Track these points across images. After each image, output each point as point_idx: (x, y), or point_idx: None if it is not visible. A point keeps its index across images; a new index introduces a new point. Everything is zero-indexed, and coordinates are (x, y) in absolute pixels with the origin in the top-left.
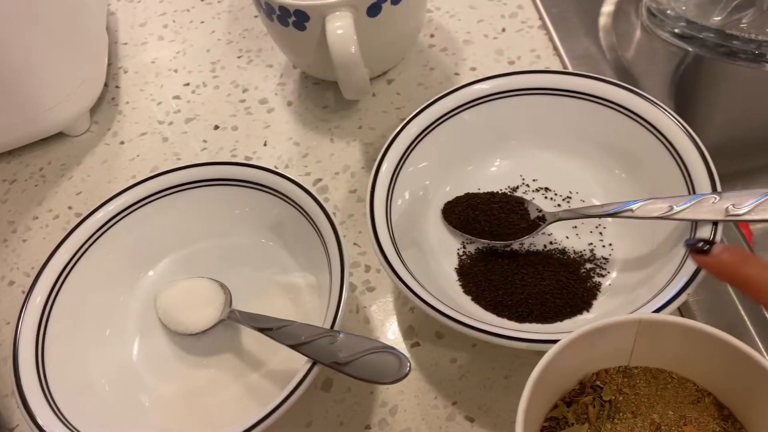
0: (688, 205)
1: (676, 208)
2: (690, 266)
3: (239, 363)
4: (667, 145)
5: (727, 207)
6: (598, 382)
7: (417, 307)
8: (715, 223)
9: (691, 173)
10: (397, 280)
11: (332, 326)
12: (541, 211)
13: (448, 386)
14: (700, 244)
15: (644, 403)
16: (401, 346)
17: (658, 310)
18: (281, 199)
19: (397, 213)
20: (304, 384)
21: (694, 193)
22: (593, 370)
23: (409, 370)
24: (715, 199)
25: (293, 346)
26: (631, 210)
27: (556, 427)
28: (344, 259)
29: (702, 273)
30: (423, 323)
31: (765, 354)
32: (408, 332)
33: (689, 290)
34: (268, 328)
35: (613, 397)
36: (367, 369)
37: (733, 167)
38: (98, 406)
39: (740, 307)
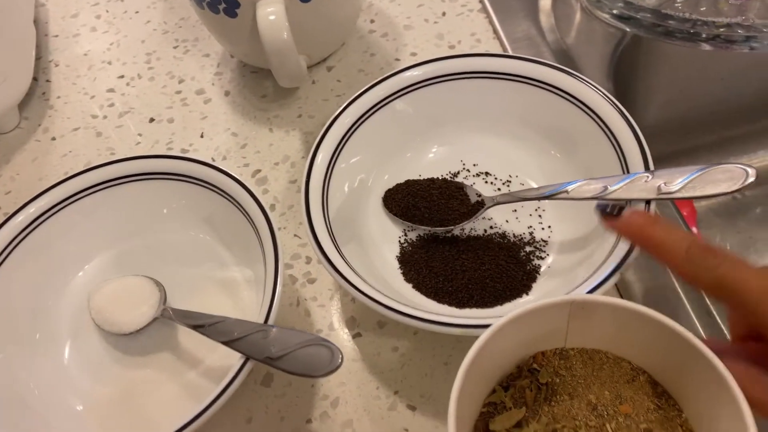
0: (622, 184)
1: (609, 188)
2: (623, 246)
3: (176, 362)
4: (603, 126)
5: (659, 185)
6: (535, 366)
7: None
8: (647, 202)
9: (626, 153)
10: (333, 271)
11: (266, 321)
12: (480, 195)
13: (389, 375)
14: (609, 209)
15: (581, 384)
16: (343, 337)
17: (592, 291)
18: (215, 192)
19: (335, 204)
20: (236, 381)
21: (629, 172)
22: (530, 353)
23: (341, 362)
24: (648, 177)
25: (226, 343)
26: (567, 191)
27: (494, 411)
28: (279, 253)
29: (635, 252)
30: (364, 313)
31: (702, 333)
32: (350, 322)
33: (622, 269)
34: (201, 324)
35: (549, 380)
36: (299, 363)
37: (674, 147)
38: (29, 416)
39: (680, 291)
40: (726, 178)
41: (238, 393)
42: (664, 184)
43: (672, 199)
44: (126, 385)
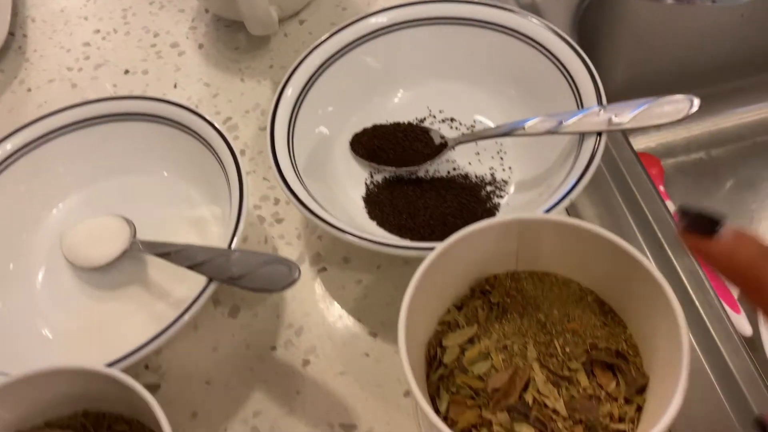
0: (575, 118)
1: (564, 123)
2: (575, 174)
3: (145, 294)
4: (560, 66)
5: (610, 118)
6: (487, 287)
7: (322, 231)
8: (599, 134)
9: (580, 90)
10: (293, 197)
11: (230, 245)
12: (443, 137)
13: (353, 306)
14: (695, 221)
15: (531, 304)
16: (308, 272)
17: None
18: (186, 133)
19: (302, 145)
20: (201, 299)
21: (583, 107)
22: (483, 276)
23: (298, 276)
24: (600, 111)
25: (191, 267)
26: (524, 128)
27: (447, 329)
28: (242, 175)
29: (584, 182)
30: (330, 249)
31: (648, 255)
32: (315, 258)
33: (572, 195)
34: (167, 252)
35: (501, 300)
36: (259, 280)
37: None
38: None
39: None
40: (672, 108)
41: (205, 323)
42: (615, 116)
43: (622, 130)
44: (96, 317)
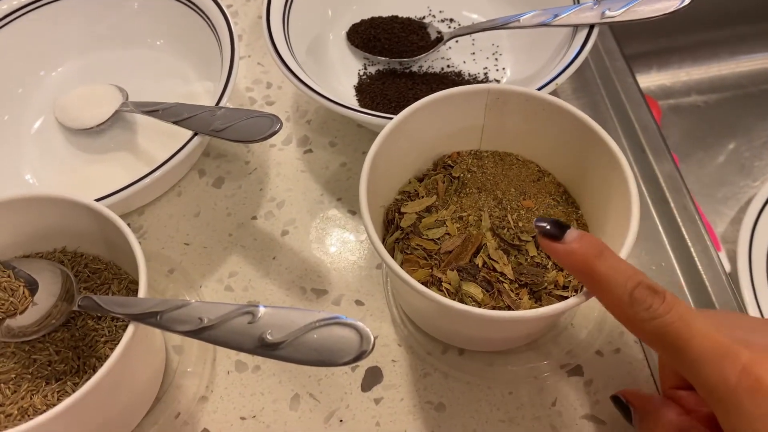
0: (569, 12)
1: (559, 16)
2: (566, 61)
3: (132, 159)
4: None
5: (603, 11)
6: (449, 162)
7: (312, 116)
8: (591, 26)
9: None
10: (284, 68)
11: (218, 103)
12: (440, 32)
13: (335, 185)
14: (549, 227)
15: (490, 180)
16: (295, 152)
17: None
18: (182, 3)
19: (298, 33)
20: (184, 150)
21: (578, 3)
22: (447, 152)
23: (280, 127)
24: (594, 5)
25: (177, 122)
26: (519, 21)
27: (407, 199)
28: (234, 36)
29: (572, 69)
30: (318, 133)
31: (631, 159)
32: (302, 140)
33: (558, 80)
34: (156, 110)
35: (462, 175)
36: (242, 131)
37: (648, 47)
38: None
39: (614, 118)
40: (664, 4)
41: (188, 190)
42: (608, 10)
43: (614, 23)
44: (81, 176)
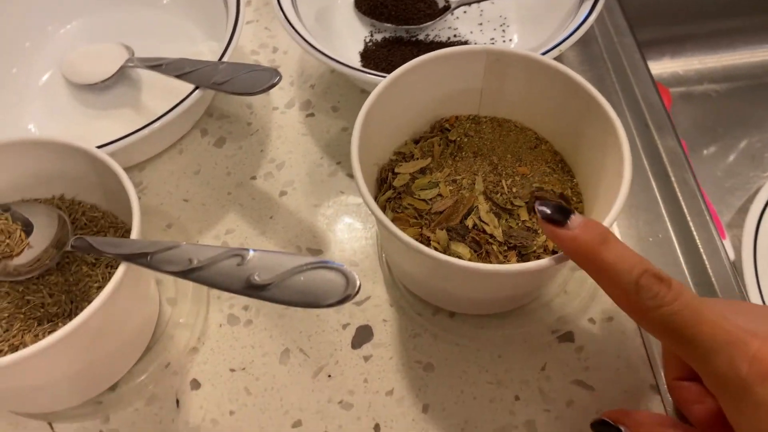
0: None
1: None
2: (571, 28)
3: (135, 116)
4: None
5: None
6: (446, 125)
7: (315, 80)
8: None
9: None
10: (289, 28)
11: (221, 58)
12: (447, 1)
13: (335, 149)
14: (551, 212)
15: (486, 146)
16: (297, 116)
17: None
18: None
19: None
20: (185, 103)
21: None
22: (445, 116)
23: (279, 80)
24: None
25: (179, 76)
26: None
27: (401, 160)
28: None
29: (577, 35)
30: (321, 98)
31: (634, 133)
32: (305, 104)
33: (562, 47)
34: (159, 65)
35: (458, 138)
36: (242, 84)
37: (660, 35)
38: None
39: (619, 92)
40: None
41: (190, 149)
42: None
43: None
44: (84, 129)
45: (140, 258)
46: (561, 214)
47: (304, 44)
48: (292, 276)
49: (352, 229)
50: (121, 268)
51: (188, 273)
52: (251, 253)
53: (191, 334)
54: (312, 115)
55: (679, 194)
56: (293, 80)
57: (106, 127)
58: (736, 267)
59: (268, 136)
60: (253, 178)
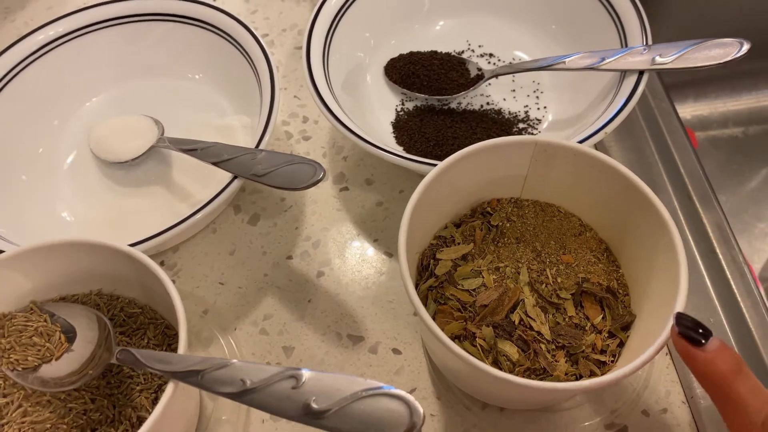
0: (618, 56)
1: (606, 60)
2: (609, 113)
3: (167, 194)
4: (606, 5)
5: (654, 57)
6: (488, 209)
7: (348, 152)
8: (641, 72)
9: (625, 28)
10: (323, 107)
11: (257, 145)
12: (480, 69)
13: (371, 226)
14: (691, 328)
15: (529, 231)
16: (330, 190)
17: None
18: (221, 37)
19: (336, 66)
20: (224, 194)
21: (627, 47)
22: (486, 198)
23: (323, 176)
24: (644, 50)
25: (216, 163)
26: (564, 63)
27: (443, 245)
28: (274, 74)
29: (620, 118)
30: (354, 170)
31: (677, 207)
32: (338, 177)
33: (607, 129)
34: (194, 149)
35: (500, 223)
36: (283, 178)
37: (685, 76)
38: (22, 222)
39: (659, 163)
40: (720, 51)
41: (224, 227)
42: (659, 56)
43: (665, 70)
44: (116, 211)
45: (191, 377)
46: (701, 335)
47: (340, 127)
48: (352, 403)
49: (393, 313)
50: (171, 387)
51: (242, 395)
52: (306, 374)
53: (234, 431)
54: (346, 189)
55: (728, 273)
56: (325, 151)
57: (139, 207)
58: None
59: (303, 212)
60: (289, 257)
